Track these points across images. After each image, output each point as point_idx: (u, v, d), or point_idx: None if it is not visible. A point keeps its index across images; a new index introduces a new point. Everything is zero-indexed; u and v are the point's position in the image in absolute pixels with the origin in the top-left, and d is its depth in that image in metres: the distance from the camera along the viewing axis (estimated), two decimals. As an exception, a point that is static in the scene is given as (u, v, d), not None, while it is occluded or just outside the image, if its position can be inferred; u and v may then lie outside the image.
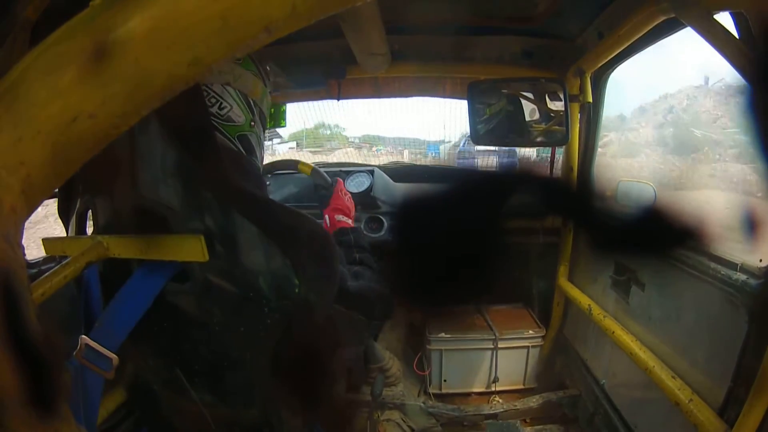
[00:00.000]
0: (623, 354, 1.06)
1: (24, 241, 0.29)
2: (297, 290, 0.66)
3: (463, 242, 0.54)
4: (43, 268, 0.91)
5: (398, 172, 1.83)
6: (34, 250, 1.03)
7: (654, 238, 0.55)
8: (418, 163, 5.30)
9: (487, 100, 1.37)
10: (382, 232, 1.59)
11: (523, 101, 1.37)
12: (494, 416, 1.39)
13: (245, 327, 0.68)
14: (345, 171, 1.72)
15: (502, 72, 1.39)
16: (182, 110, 0.55)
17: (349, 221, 1.11)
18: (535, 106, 1.37)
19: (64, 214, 0.80)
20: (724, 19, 0.69)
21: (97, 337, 0.60)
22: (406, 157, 7.28)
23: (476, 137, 1.39)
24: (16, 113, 0.21)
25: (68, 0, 0.28)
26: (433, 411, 1.38)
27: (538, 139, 1.41)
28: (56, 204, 0.80)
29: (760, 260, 0.73)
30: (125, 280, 0.64)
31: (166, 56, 0.22)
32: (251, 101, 0.74)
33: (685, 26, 0.78)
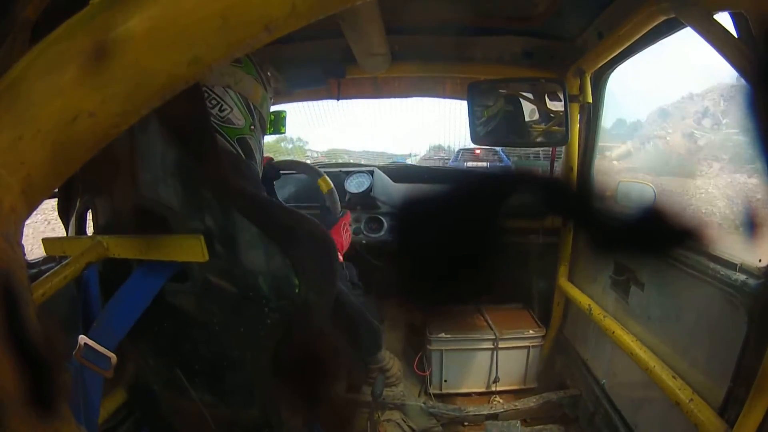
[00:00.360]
0: (623, 354, 1.06)
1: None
2: (297, 290, 0.66)
3: (463, 242, 0.54)
4: (43, 268, 0.91)
5: (398, 173, 1.83)
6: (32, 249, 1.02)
7: (653, 238, 0.55)
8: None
9: (487, 100, 1.37)
10: (382, 233, 1.59)
11: (523, 101, 1.37)
12: (495, 416, 1.39)
13: (245, 327, 0.68)
14: (345, 171, 1.72)
15: (502, 72, 1.39)
16: (182, 110, 0.55)
17: (340, 257, 1.11)
18: (534, 107, 1.37)
19: (64, 214, 0.80)
20: (724, 19, 0.69)
21: (95, 337, 0.60)
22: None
23: (476, 137, 1.39)
24: (16, 112, 0.21)
25: (68, -1, 0.28)
26: (433, 411, 1.38)
27: (538, 140, 1.41)
28: (55, 204, 0.80)
29: (760, 260, 0.73)
30: (125, 280, 0.64)
31: (166, 55, 0.22)
32: (251, 105, 0.74)
33: (685, 26, 0.78)
